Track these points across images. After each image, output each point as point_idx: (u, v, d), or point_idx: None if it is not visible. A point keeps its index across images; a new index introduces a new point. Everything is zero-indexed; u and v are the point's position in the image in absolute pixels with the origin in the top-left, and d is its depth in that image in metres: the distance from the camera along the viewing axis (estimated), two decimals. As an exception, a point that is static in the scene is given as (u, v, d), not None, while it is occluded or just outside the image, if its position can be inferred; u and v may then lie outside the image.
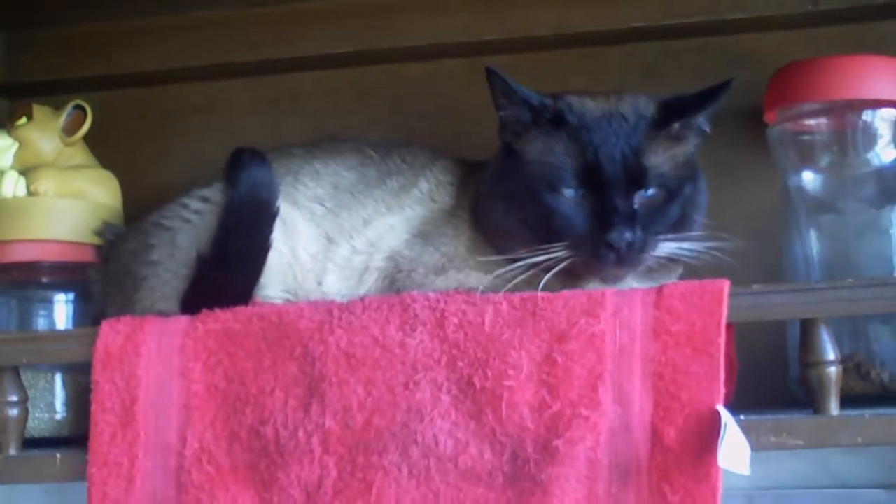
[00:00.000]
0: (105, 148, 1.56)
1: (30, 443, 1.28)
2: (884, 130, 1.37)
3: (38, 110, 1.51)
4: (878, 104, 1.36)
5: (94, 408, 1.19)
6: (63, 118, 1.51)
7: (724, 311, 1.10)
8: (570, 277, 1.21)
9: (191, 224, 1.30)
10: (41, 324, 1.50)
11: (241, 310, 1.20)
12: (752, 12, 1.55)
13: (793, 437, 1.11)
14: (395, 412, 1.12)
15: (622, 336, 1.11)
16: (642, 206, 1.21)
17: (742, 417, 1.08)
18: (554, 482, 1.08)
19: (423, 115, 1.64)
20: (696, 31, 1.58)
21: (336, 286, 1.31)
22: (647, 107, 1.26)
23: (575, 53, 1.62)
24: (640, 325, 1.11)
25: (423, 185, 1.35)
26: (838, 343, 1.14)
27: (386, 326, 1.15)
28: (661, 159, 1.23)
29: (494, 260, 1.23)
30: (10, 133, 1.50)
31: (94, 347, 1.20)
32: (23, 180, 1.46)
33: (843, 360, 1.17)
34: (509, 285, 1.19)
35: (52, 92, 1.66)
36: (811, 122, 1.40)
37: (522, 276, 1.20)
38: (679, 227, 1.24)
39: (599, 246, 1.18)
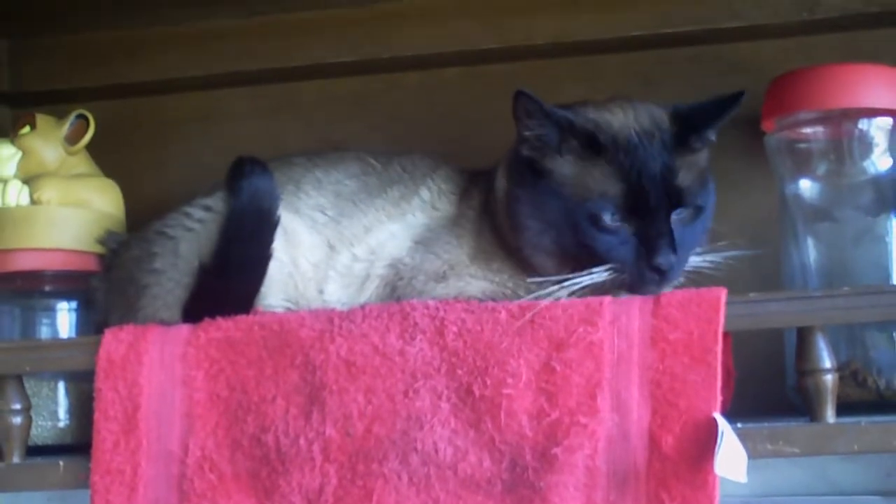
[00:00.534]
0: (107, 157, 1.57)
1: (33, 450, 1.29)
2: (880, 139, 1.38)
3: (42, 119, 1.52)
4: (874, 113, 1.37)
5: (96, 416, 1.19)
6: (66, 127, 1.51)
7: (722, 320, 1.11)
8: (600, 290, 1.20)
9: (193, 233, 1.31)
10: (44, 332, 1.51)
11: (242, 318, 1.21)
12: (748, 21, 1.55)
13: (789, 445, 1.11)
14: (395, 420, 1.13)
15: (620, 344, 1.12)
16: (675, 224, 1.22)
17: (739, 425, 1.09)
18: (552, 490, 1.09)
19: (422, 124, 1.64)
20: (693, 39, 1.58)
21: (337, 294, 1.31)
22: (663, 119, 1.26)
23: (572, 62, 1.63)
24: (638, 333, 1.12)
25: (425, 193, 1.35)
26: (835, 351, 1.15)
27: (386, 335, 1.16)
28: (688, 176, 1.24)
29: (539, 281, 1.20)
30: (13, 142, 1.51)
31: (97, 356, 1.21)
32: (26, 189, 1.47)
33: (840, 368, 1.18)
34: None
35: (55, 101, 1.67)
36: (808, 130, 1.40)
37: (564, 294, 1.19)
38: (703, 239, 1.26)
39: (646, 270, 1.19)
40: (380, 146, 1.44)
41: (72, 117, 1.52)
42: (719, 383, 1.09)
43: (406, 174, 1.37)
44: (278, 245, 1.28)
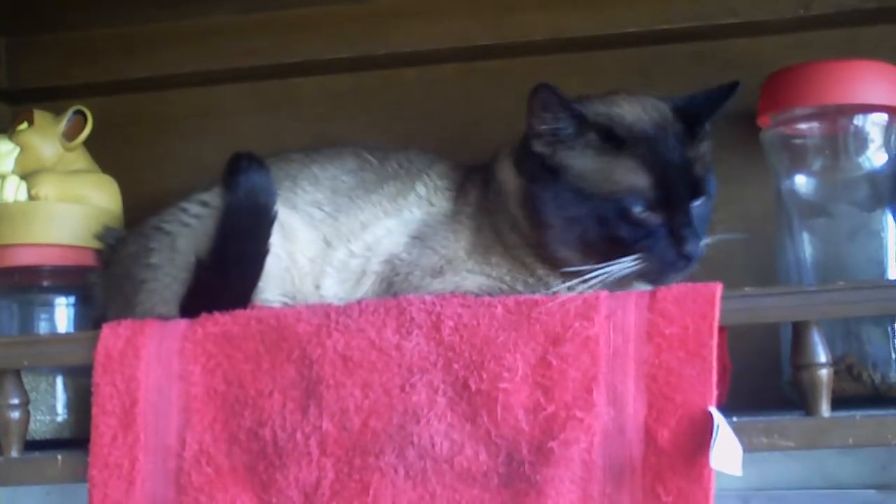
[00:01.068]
0: (105, 153, 1.58)
1: (31, 445, 1.29)
2: (875, 135, 1.38)
3: (39, 116, 1.52)
4: (869, 109, 1.37)
5: (94, 410, 1.20)
6: (64, 123, 1.52)
7: (717, 314, 1.11)
8: (625, 279, 1.23)
9: (190, 228, 1.31)
10: (42, 327, 1.51)
11: (239, 313, 1.21)
12: (744, 17, 1.56)
13: (784, 439, 1.12)
14: (392, 414, 1.13)
15: (616, 339, 1.12)
16: (693, 212, 1.24)
17: (734, 419, 1.09)
18: (549, 483, 1.09)
19: (420, 120, 1.64)
20: (690, 35, 1.59)
21: (333, 290, 1.32)
22: (667, 112, 1.28)
23: (570, 58, 1.63)
24: (634, 327, 1.12)
25: (421, 189, 1.35)
26: (830, 345, 1.15)
27: (382, 329, 1.16)
28: (701, 166, 1.26)
29: (566, 271, 1.23)
30: (11, 138, 1.51)
31: (95, 350, 1.21)
32: (24, 185, 1.47)
33: (835, 362, 1.18)
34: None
35: (53, 97, 1.67)
36: (804, 126, 1.41)
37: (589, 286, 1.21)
38: (708, 225, 1.29)
39: (676, 258, 1.22)
40: (378, 142, 1.44)
41: (69, 113, 1.52)
42: (715, 377, 1.09)
43: (402, 170, 1.37)
44: (275, 240, 1.29)
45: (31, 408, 1.28)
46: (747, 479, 1.30)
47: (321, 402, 1.15)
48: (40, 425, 1.42)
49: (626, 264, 1.21)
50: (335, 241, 1.33)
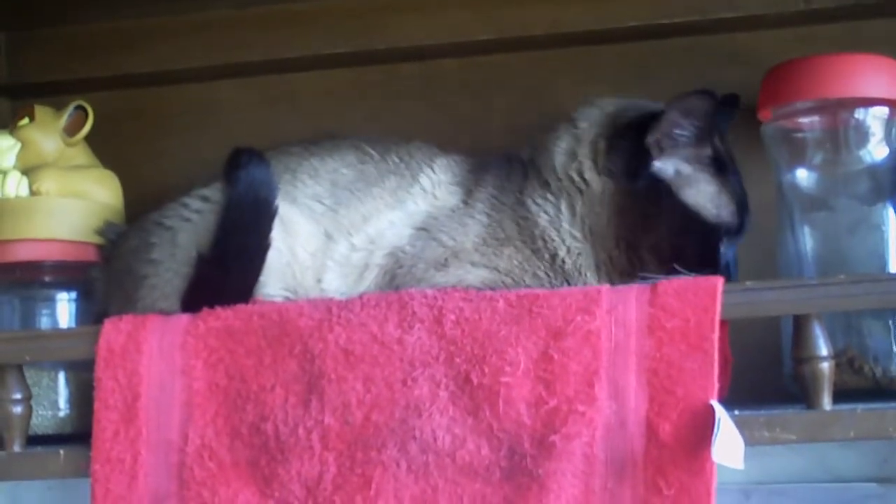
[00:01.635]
0: (106, 148, 1.57)
1: (33, 440, 1.29)
2: (876, 128, 1.38)
3: (40, 111, 1.52)
4: (870, 102, 1.37)
5: (96, 405, 1.20)
6: (64, 118, 1.51)
7: (718, 308, 1.11)
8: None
9: (191, 223, 1.31)
10: (44, 322, 1.51)
11: (241, 308, 1.21)
12: (744, 11, 1.55)
13: (786, 432, 1.12)
14: (394, 408, 1.13)
15: (617, 332, 1.12)
16: None
17: (736, 412, 1.09)
18: (550, 477, 1.09)
19: (418, 115, 1.64)
20: (690, 30, 1.58)
21: (335, 284, 1.31)
22: None
23: (568, 52, 1.63)
24: (636, 321, 1.12)
25: (426, 182, 1.35)
26: (831, 338, 1.15)
27: (384, 324, 1.16)
28: None
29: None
30: (12, 133, 1.51)
31: (97, 345, 1.21)
32: (25, 180, 1.47)
33: (836, 356, 1.18)
34: None
35: (54, 92, 1.67)
36: (804, 120, 1.40)
37: None
38: None
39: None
40: (377, 136, 1.44)
41: (70, 108, 1.52)
42: (716, 371, 1.09)
43: (403, 163, 1.37)
44: (276, 234, 1.28)
45: (33, 403, 1.28)
46: (749, 472, 1.30)
47: (323, 396, 1.15)
48: (42, 420, 1.42)
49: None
50: (336, 234, 1.33)
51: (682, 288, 1.13)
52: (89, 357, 1.21)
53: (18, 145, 1.50)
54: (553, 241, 1.31)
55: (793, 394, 1.29)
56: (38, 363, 1.39)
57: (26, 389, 1.27)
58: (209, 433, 1.17)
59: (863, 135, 1.38)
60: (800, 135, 1.41)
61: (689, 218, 1.29)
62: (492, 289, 1.23)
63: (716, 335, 1.10)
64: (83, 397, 1.38)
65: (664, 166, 1.30)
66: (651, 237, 1.29)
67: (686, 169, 1.30)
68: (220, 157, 1.35)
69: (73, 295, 1.51)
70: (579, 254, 1.31)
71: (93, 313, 1.41)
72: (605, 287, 1.16)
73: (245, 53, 1.68)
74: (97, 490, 1.18)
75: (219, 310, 1.21)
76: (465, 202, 1.34)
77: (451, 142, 1.44)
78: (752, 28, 1.58)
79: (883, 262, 1.37)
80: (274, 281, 1.29)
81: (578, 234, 1.31)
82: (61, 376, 1.45)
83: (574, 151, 1.34)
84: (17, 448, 1.25)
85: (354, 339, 1.16)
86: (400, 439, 1.13)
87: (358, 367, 1.15)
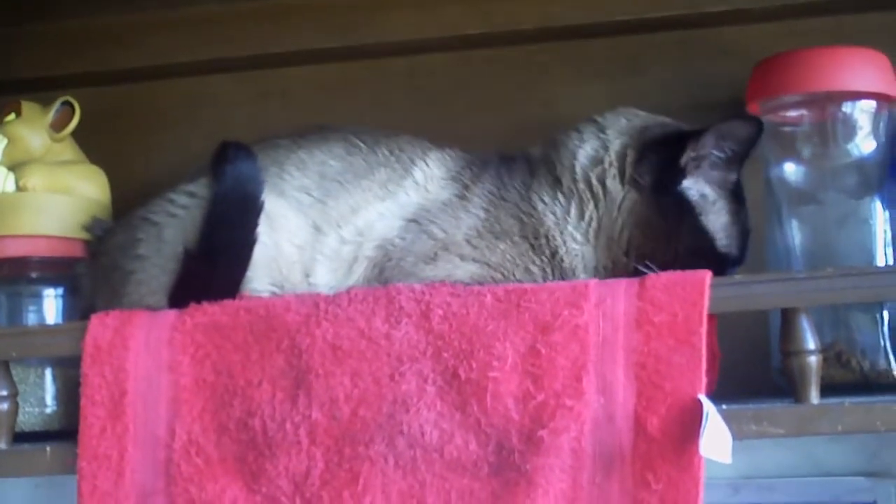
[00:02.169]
0: (93, 143, 1.57)
1: (20, 437, 1.28)
2: (863, 122, 1.38)
3: (27, 107, 1.52)
4: (857, 96, 1.37)
5: (83, 401, 1.19)
6: (51, 114, 1.51)
7: (706, 302, 1.11)
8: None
9: (177, 219, 1.30)
10: (31, 318, 1.51)
11: (228, 303, 1.21)
12: (733, 5, 1.56)
13: (773, 426, 1.12)
14: (381, 403, 1.13)
15: (605, 327, 1.12)
16: None
17: (724, 406, 1.09)
18: (539, 472, 1.09)
19: (408, 109, 1.64)
20: (680, 23, 1.59)
21: (325, 278, 1.31)
22: None
23: (558, 46, 1.63)
24: (623, 315, 1.12)
25: (419, 174, 1.35)
26: (819, 332, 1.15)
27: (372, 318, 1.16)
28: None
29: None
30: (-2, 129, 1.51)
31: (84, 341, 1.20)
32: (12, 176, 1.47)
33: (824, 349, 1.18)
34: None
35: (42, 88, 1.67)
36: (792, 113, 1.41)
37: None
38: None
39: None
40: (366, 127, 1.44)
41: (57, 104, 1.52)
42: (704, 365, 1.09)
43: (394, 156, 1.36)
44: (263, 229, 1.28)
45: (19, 399, 1.28)
46: (737, 466, 1.30)
47: (310, 391, 1.15)
48: (29, 417, 1.42)
49: None
50: (325, 226, 1.32)
51: (670, 282, 1.13)
52: (76, 353, 1.21)
53: (5, 141, 1.50)
54: (555, 239, 1.31)
55: (781, 388, 1.29)
56: (24, 359, 1.39)
57: (13, 386, 1.26)
58: (196, 429, 1.17)
59: (850, 128, 1.38)
60: (788, 128, 1.41)
61: (703, 241, 1.29)
62: (480, 283, 1.23)
63: (704, 329, 1.10)
64: (70, 394, 1.38)
65: (693, 186, 1.30)
66: (663, 252, 1.28)
67: (710, 192, 1.30)
68: (208, 152, 1.35)
69: (60, 291, 1.51)
70: (576, 255, 1.31)
71: (79, 309, 1.41)
72: (594, 281, 1.16)
73: (235, 48, 1.68)
74: (84, 487, 1.17)
75: (206, 305, 1.21)
76: (461, 196, 1.34)
77: (441, 136, 1.44)
78: (741, 22, 1.58)
79: (871, 256, 1.38)
80: (261, 276, 1.28)
81: (580, 237, 1.31)
82: (48, 373, 1.45)
83: (600, 157, 1.33)
84: (3, 445, 1.24)
85: (342, 334, 1.16)
86: (387, 434, 1.13)
87: (345, 362, 1.15)
